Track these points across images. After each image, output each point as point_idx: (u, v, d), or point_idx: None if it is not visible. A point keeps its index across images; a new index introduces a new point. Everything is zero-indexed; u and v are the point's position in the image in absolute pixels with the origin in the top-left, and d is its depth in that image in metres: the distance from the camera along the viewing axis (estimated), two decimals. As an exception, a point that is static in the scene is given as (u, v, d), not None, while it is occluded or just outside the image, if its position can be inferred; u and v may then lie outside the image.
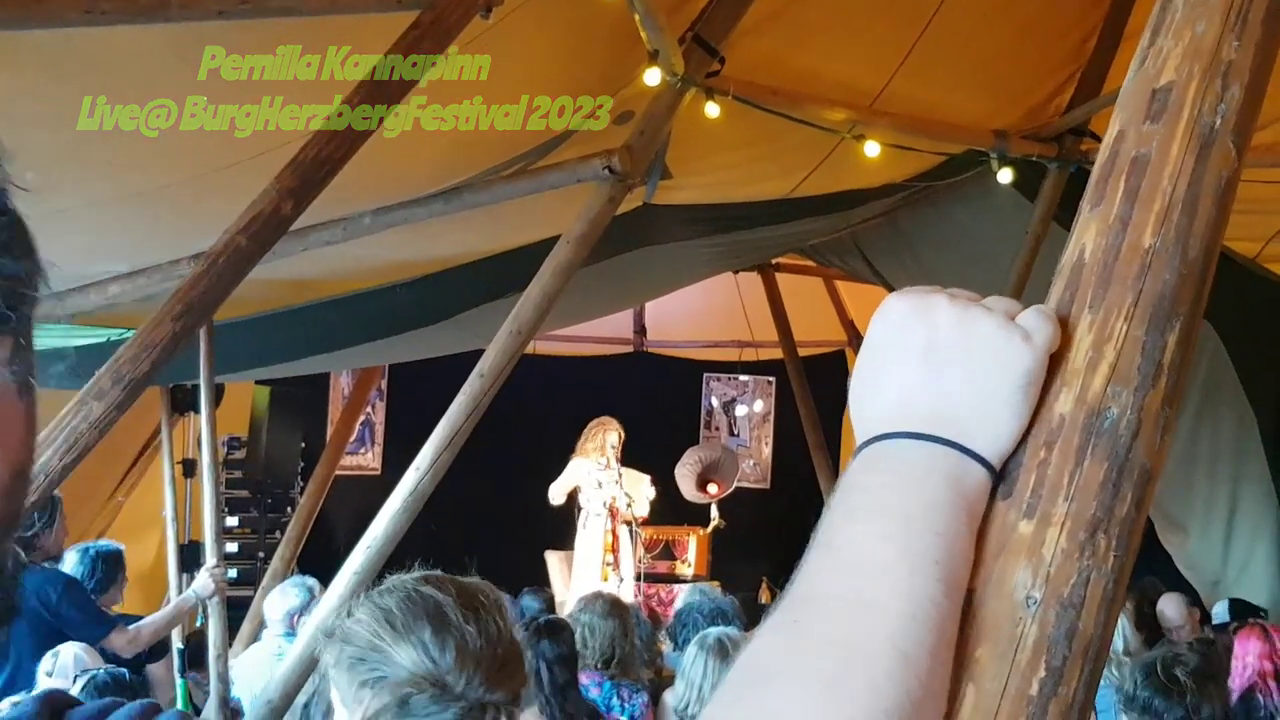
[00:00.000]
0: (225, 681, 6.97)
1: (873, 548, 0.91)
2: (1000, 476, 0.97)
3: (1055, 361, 1.05)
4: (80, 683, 5.08)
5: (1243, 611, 8.39)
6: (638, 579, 11.75)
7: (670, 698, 5.95)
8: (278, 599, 7.49)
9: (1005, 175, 7.58)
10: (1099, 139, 7.48)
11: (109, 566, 7.03)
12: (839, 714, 0.82)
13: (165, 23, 3.79)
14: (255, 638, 8.96)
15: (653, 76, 6.01)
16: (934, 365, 0.98)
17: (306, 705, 5.91)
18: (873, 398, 1.01)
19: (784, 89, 6.53)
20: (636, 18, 5.47)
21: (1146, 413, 0.99)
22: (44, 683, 5.53)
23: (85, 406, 3.66)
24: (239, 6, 3.81)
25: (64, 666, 5.62)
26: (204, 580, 7.08)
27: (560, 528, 12.34)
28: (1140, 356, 1.01)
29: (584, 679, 5.71)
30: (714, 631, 5.73)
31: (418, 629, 2.00)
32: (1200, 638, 4.49)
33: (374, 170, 4.98)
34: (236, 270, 3.92)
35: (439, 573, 2.21)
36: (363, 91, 4.07)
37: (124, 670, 5.58)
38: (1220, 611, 8.64)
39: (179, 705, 7.07)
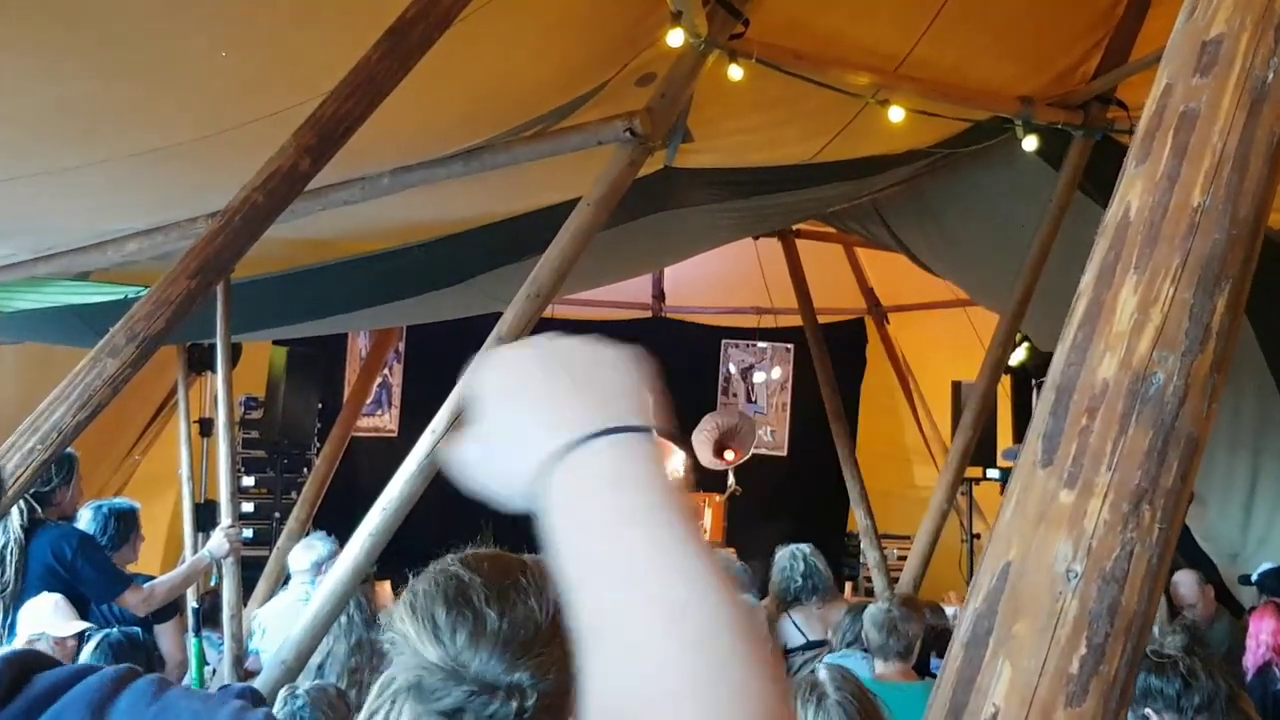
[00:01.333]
0: (239, 641, 6.96)
1: (623, 547, 0.93)
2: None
3: (1098, 324, 1.00)
4: (93, 643, 5.07)
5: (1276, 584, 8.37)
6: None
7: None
8: (302, 552, 7.51)
9: (1030, 143, 7.50)
10: (1126, 107, 7.44)
11: (123, 524, 7.02)
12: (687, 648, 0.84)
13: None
14: (270, 597, 8.97)
15: (675, 38, 5.94)
16: (539, 395, 1.02)
17: (321, 665, 5.95)
18: (502, 448, 1.03)
19: (808, 52, 6.46)
20: (660, -23, 5.41)
21: (1194, 378, 0.96)
22: (23, 633, 5.50)
23: (100, 363, 3.63)
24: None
25: (36, 616, 5.61)
26: (219, 540, 7.06)
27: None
28: (1188, 320, 0.97)
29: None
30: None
31: (435, 611, 1.99)
32: (1183, 623, 4.46)
33: (393, 129, 4.94)
34: (253, 228, 3.88)
35: (483, 551, 2.18)
36: (385, 44, 4.03)
37: (138, 630, 5.57)
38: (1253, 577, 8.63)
39: (192, 664, 7.07)
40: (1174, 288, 0.97)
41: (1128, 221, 1.05)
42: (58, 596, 5.71)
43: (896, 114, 6.90)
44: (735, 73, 6.20)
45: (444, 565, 2.11)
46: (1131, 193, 1.08)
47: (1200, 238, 1.00)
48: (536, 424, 0.99)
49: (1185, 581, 8.13)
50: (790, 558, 7.34)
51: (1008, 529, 0.95)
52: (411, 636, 1.98)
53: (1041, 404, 1.01)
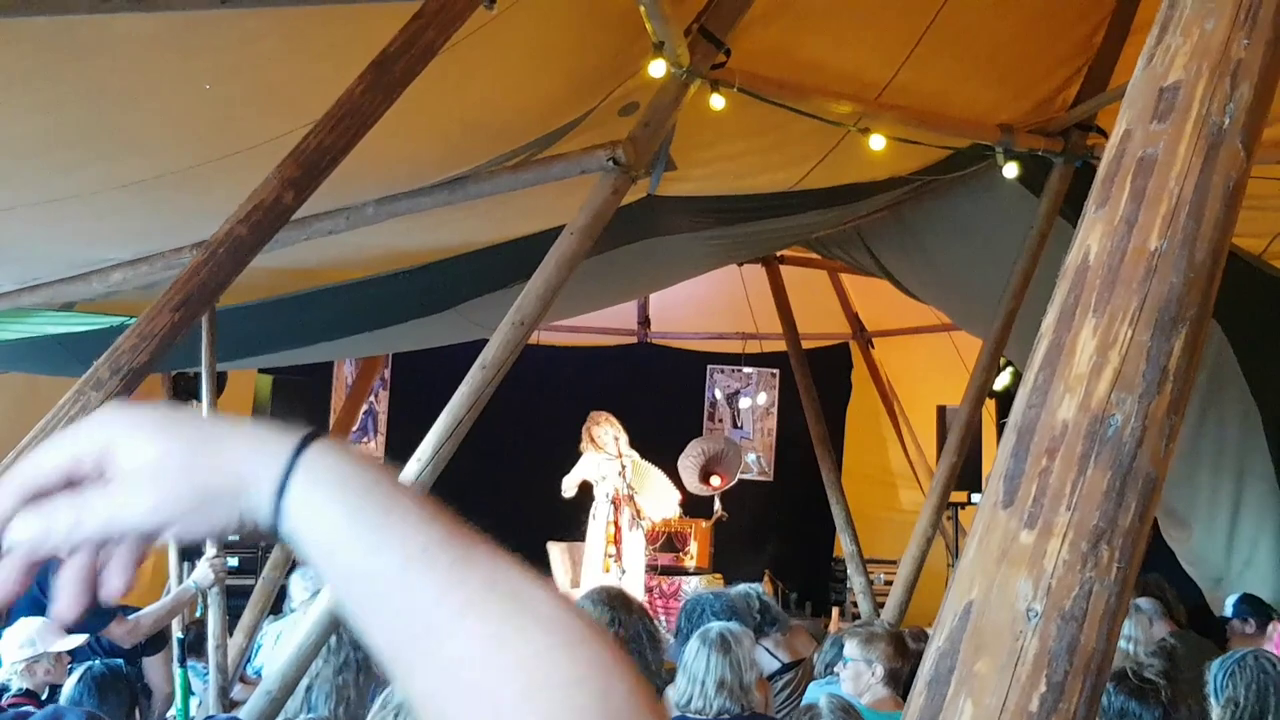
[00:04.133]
0: (224, 672, 6.96)
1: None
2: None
3: (1058, 366, 1.02)
4: (76, 675, 5.05)
5: (1256, 608, 8.36)
6: (647, 570, 11.76)
7: (672, 694, 5.92)
8: (300, 583, 7.57)
9: (1011, 170, 7.55)
10: (1106, 134, 7.49)
11: None
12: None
13: (167, 10, 3.77)
14: (256, 628, 8.95)
15: (658, 68, 5.98)
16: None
17: (309, 688, 5.93)
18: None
19: (790, 81, 6.50)
20: (642, 9, 5.44)
21: (1151, 420, 0.97)
22: (7, 659, 5.49)
23: (83, 397, 3.64)
24: (242, -5, 3.79)
25: (28, 639, 5.59)
26: (204, 570, 7.06)
27: (563, 519, 12.32)
28: (1145, 362, 0.99)
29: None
30: (716, 625, 5.70)
31: None
32: (1160, 642, 4.47)
33: (378, 159, 4.96)
34: (237, 260, 3.89)
35: None
36: (369, 76, 4.04)
37: (120, 661, 5.56)
38: (1227, 606, 8.61)
39: (178, 694, 7.05)
40: (1132, 330, 0.99)
41: (1087, 265, 1.08)
42: (40, 618, 5.72)
43: (878, 142, 6.94)
44: (717, 102, 6.24)
45: None
46: (1091, 236, 1.10)
47: (1157, 281, 1.03)
48: (234, 452, 0.98)
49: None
50: (745, 598, 7.38)
51: (970, 568, 0.97)
52: None
53: (1003, 445, 1.03)
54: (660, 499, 12.10)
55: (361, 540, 0.92)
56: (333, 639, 5.75)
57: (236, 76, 4.73)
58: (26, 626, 5.59)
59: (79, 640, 5.83)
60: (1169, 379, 1.00)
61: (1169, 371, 1.00)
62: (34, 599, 6.06)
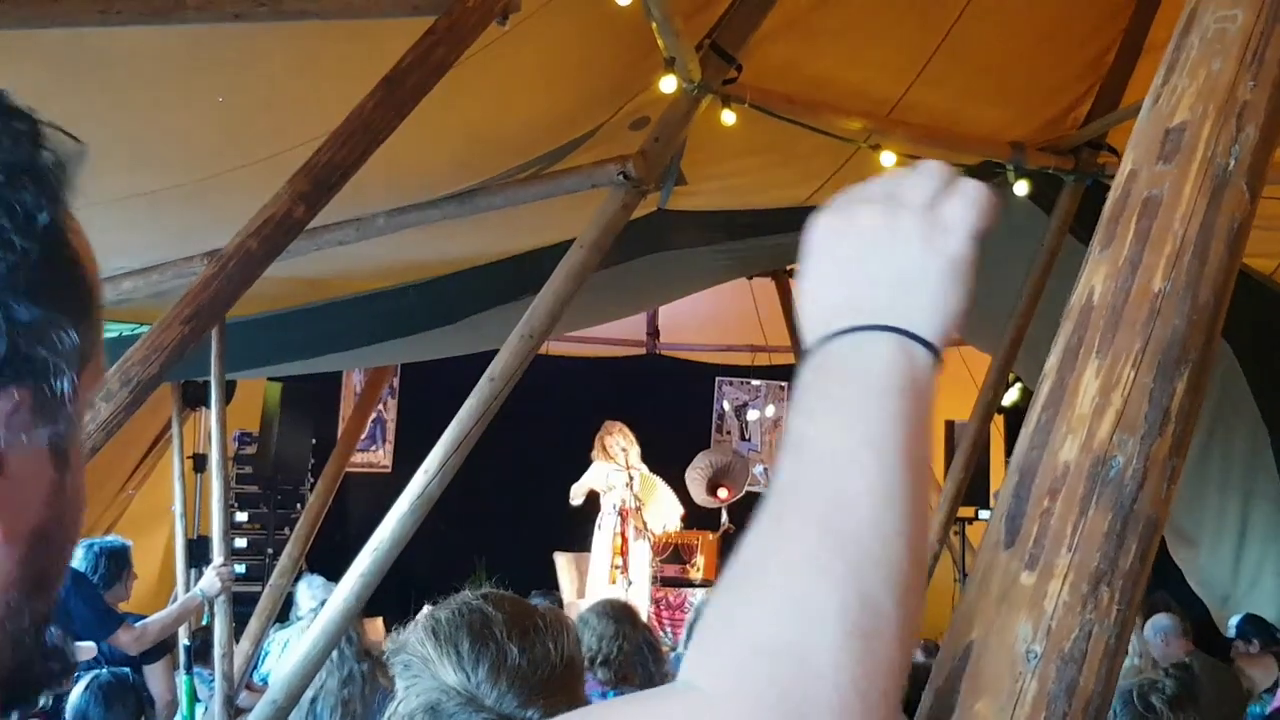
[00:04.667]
0: (230, 680, 6.96)
1: (836, 441, 0.92)
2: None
3: (1061, 407, 1.03)
4: (83, 684, 5.07)
5: (1259, 629, 8.36)
6: (654, 581, 11.77)
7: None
8: (307, 591, 7.62)
9: (1021, 188, 7.55)
10: (1117, 153, 7.49)
11: (114, 563, 7.03)
12: (828, 594, 0.83)
13: (180, 24, 3.79)
14: (262, 635, 8.97)
15: (669, 84, 5.99)
16: (861, 265, 0.99)
17: (314, 700, 5.94)
18: (809, 306, 1.02)
19: (801, 97, 6.52)
20: (653, 25, 5.45)
21: (1153, 462, 0.98)
22: None
23: (93, 409, 3.65)
24: (255, 9, 3.80)
25: None
26: (210, 579, 7.07)
27: (571, 529, 12.33)
28: (1148, 404, 0.99)
29: (587, 688, 5.68)
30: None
31: (458, 640, 2.04)
32: (1178, 663, 4.45)
33: (389, 171, 4.98)
34: (247, 273, 3.91)
35: (504, 593, 2.25)
36: (380, 92, 4.06)
37: (127, 670, 5.58)
38: (1230, 626, 8.62)
39: (183, 702, 7.06)
40: (1135, 372, 1.00)
41: (1091, 306, 1.08)
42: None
43: (888, 158, 6.95)
44: (728, 117, 6.26)
45: (467, 599, 2.17)
46: (1095, 277, 1.11)
47: (1161, 323, 1.03)
48: (823, 295, 1.01)
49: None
50: None
51: (970, 609, 0.98)
52: (433, 660, 2.04)
53: (1005, 486, 1.04)
54: (662, 511, 12.11)
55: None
56: (336, 651, 5.77)
57: (247, 90, 4.75)
58: None
59: (89, 649, 5.85)
60: (1171, 420, 1.00)
61: (1171, 413, 1.00)
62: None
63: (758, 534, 0.90)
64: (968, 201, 0.99)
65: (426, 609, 2.22)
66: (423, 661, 2.05)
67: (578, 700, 2.15)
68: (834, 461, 0.90)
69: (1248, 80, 1.15)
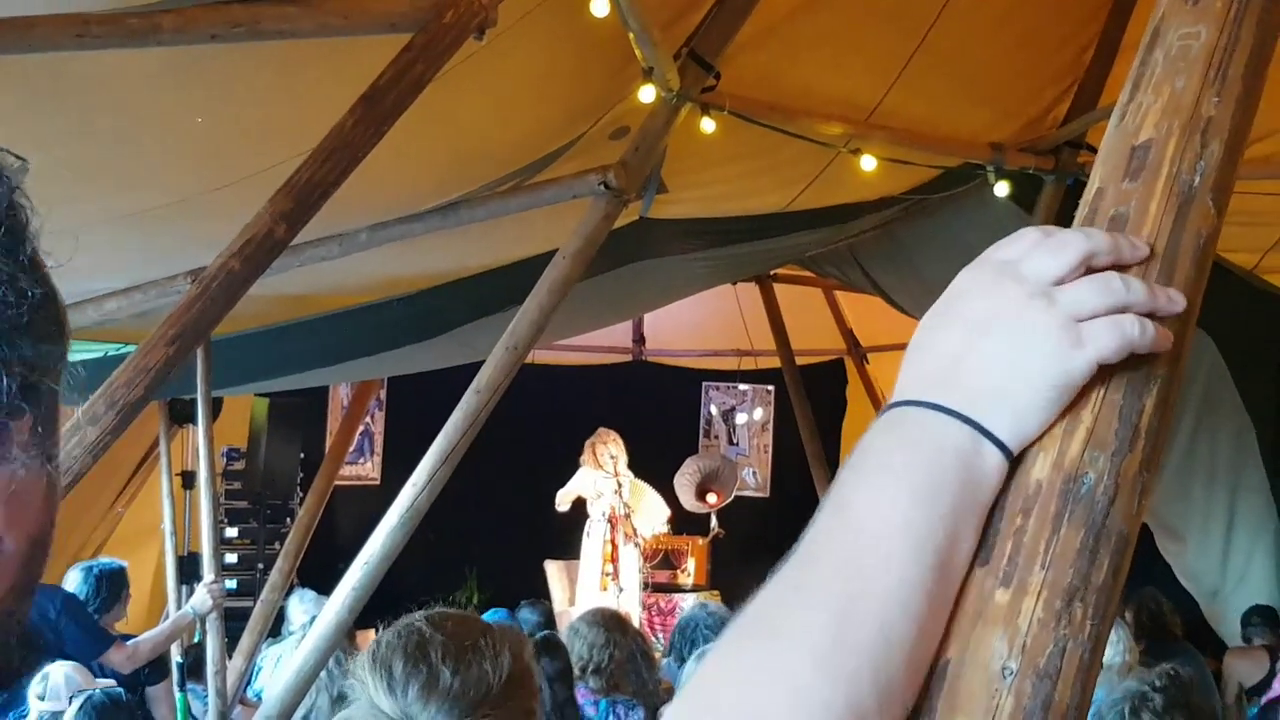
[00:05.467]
0: (224, 697, 6.96)
1: (878, 521, 0.92)
2: (1018, 461, 0.97)
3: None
4: (76, 704, 5.05)
5: (1267, 619, 8.38)
6: (644, 587, 11.78)
7: (668, 715, 5.91)
8: (299, 606, 7.61)
9: (1002, 188, 7.58)
10: (1096, 151, 7.53)
11: (113, 585, 7.03)
12: (821, 692, 0.83)
13: (157, 46, 3.79)
14: (255, 650, 8.96)
15: (647, 94, 6.01)
16: (978, 341, 0.98)
17: (306, 717, 5.95)
18: (915, 360, 1.01)
19: (780, 104, 6.54)
20: (631, 36, 5.46)
21: (1124, 478, 0.99)
22: (35, 706, 5.49)
23: (79, 431, 3.66)
24: (232, 30, 3.80)
25: (55, 688, 5.58)
26: (201, 596, 7.06)
27: (561, 536, 12.34)
28: (1117, 420, 1.00)
29: (579, 698, 5.69)
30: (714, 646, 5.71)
31: (393, 663, 2.05)
32: (1167, 672, 4.43)
33: (371, 186, 4.99)
34: (230, 294, 3.92)
35: (451, 611, 2.26)
36: (359, 110, 4.07)
37: (120, 690, 5.56)
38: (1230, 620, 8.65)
39: (179, 719, 7.07)
40: (1104, 389, 1.01)
41: (1061, 324, 1.09)
42: (70, 663, 5.74)
43: (869, 163, 6.98)
44: (708, 125, 6.28)
45: (411, 620, 2.18)
46: (1064, 295, 1.12)
47: (1129, 339, 1.04)
48: (930, 354, 1.01)
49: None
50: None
51: (947, 627, 0.99)
52: (369, 684, 2.06)
53: (979, 505, 1.05)
54: (651, 514, 12.12)
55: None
56: (326, 671, 5.77)
57: (226, 111, 4.76)
58: (56, 672, 5.59)
59: (109, 684, 5.83)
60: (1141, 437, 1.02)
61: (1140, 430, 1.02)
62: (33, 630, 6.08)
63: (773, 598, 0.92)
64: (1118, 332, 0.95)
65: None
66: (361, 685, 2.07)
67: (524, 712, 2.17)
68: (868, 547, 0.90)
69: (1212, 96, 1.16)
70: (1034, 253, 1.02)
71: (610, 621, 6.40)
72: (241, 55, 4.31)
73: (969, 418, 0.95)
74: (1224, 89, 1.14)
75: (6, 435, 0.70)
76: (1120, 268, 1.01)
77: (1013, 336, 0.96)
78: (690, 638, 6.90)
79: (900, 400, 0.99)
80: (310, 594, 8.12)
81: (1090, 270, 0.99)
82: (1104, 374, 1.00)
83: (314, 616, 7.17)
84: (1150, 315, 0.98)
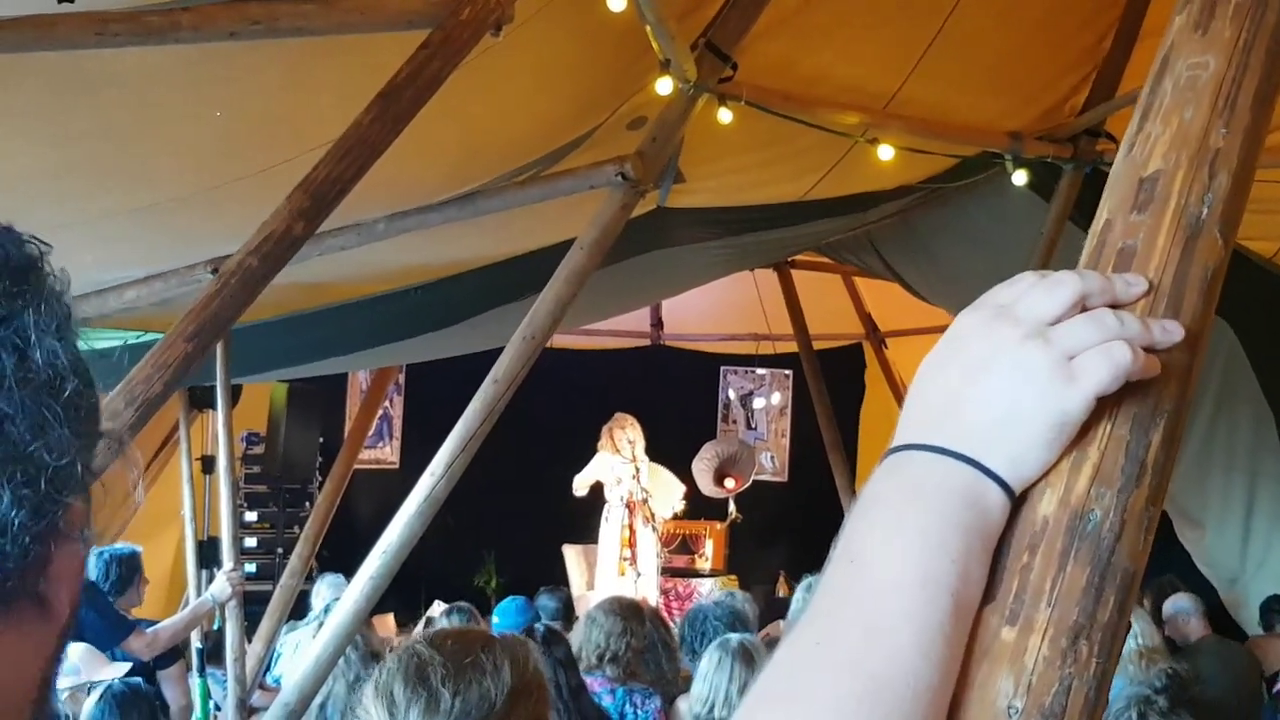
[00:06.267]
0: (243, 684, 7.00)
1: (890, 571, 0.93)
2: (1020, 500, 0.98)
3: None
4: (96, 694, 5.09)
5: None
6: (662, 572, 11.81)
7: (684, 704, 5.94)
8: (326, 591, 7.66)
9: (1020, 177, 7.55)
10: (1115, 139, 7.48)
11: (126, 569, 7.06)
12: None
13: (176, 44, 3.81)
14: (274, 636, 9.00)
15: (664, 86, 6.00)
16: (975, 382, 0.99)
17: (323, 705, 5.98)
18: (915, 403, 1.02)
19: (797, 93, 6.52)
20: (648, 28, 5.46)
21: (1130, 514, 0.99)
22: None
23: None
24: (250, 27, 3.82)
25: (72, 667, 5.62)
26: (221, 584, 7.11)
27: (579, 521, 12.37)
28: (1124, 457, 1.00)
29: (595, 686, 5.71)
30: (735, 637, 5.72)
31: (392, 687, 2.07)
32: (1167, 670, 4.40)
33: (388, 177, 5.01)
34: (249, 290, 3.94)
35: (452, 629, 2.29)
36: (376, 107, 4.08)
37: (139, 680, 5.60)
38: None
39: (197, 704, 7.11)
40: (1111, 425, 1.01)
41: (1068, 358, 1.09)
42: (84, 645, 5.77)
43: (886, 152, 6.95)
44: (725, 115, 6.27)
45: (411, 643, 2.20)
46: (1071, 330, 1.12)
47: (1136, 374, 1.05)
48: (928, 396, 1.02)
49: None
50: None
51: (952, 664, 1.00)
52: (372, 713, 2.07)
53: (985, 540, 1.06)
54: (666, 496, 12.12)
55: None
56: (343, 658, 5.80)
57: (244, 105, 4.78)
58: (71, 654, 5.62)
59: (124, 668, 5.87)
60: (1147, 472, 1.02)
61: (1147, 465, 1.02)
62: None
63: (793, 652, 0.93)
64: (1110, 362, 0.96)
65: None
66: (365, 711, 2.09)
67: None
68: (883, 595, 0.92)
69: (1220, 127, 1.16)
70: (1029, 294, 1.03)
71: (627, 610, 6.42)
72: (259, 52, 4.32)
73: (970, 458, 0.96)
74: (1232, 119, 1.14)
75: (75, 514, 0.74)
76: (1118, 306, 1.02)
77: (1008, 376, 0.97)
78: (700, 630, 6.92)
79: (901, 444, 1.00)
80: (337, 579, 8.14)
81: (1087, 310, 1.01)
82: (1111, 409, 1.01)
83: (330, 603, 7.23)
84: (1148, 349, 0.99)
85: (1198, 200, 1.11)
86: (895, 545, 0.94)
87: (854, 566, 0.95)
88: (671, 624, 8.57)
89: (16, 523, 0.69)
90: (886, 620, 0.90)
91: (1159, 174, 1.13)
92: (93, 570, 6.80)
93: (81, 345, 0.77)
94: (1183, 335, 1.02)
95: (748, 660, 5.43)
